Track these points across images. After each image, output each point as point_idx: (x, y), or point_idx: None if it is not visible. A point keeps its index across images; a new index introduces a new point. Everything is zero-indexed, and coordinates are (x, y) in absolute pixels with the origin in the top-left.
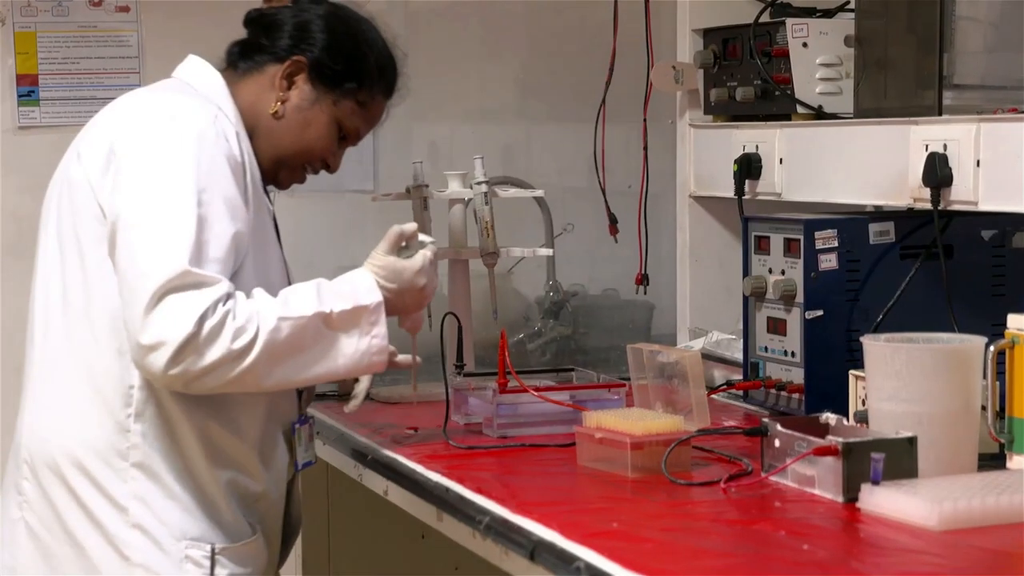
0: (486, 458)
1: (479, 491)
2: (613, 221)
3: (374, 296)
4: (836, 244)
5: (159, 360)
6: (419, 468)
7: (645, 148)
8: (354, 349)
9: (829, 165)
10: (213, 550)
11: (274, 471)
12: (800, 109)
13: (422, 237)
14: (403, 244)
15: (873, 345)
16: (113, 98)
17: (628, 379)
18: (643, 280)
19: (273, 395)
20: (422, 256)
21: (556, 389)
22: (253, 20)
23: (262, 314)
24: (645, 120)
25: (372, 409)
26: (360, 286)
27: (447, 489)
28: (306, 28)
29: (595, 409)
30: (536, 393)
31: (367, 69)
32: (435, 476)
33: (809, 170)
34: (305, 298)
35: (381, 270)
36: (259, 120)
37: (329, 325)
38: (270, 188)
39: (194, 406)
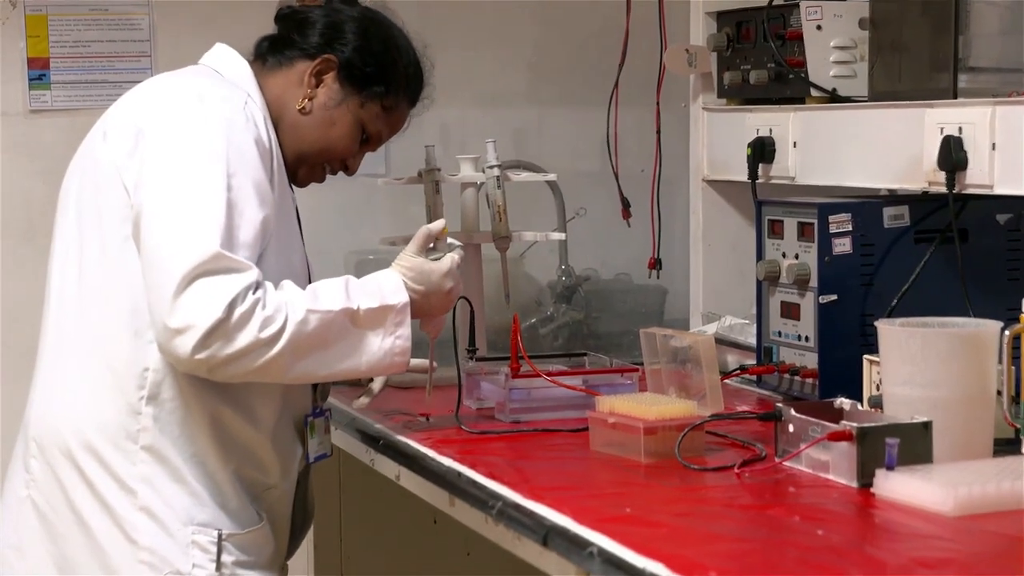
0: (498, 443)
1: (491, 476)
2: (626, 205)
3: (401, 296)
4: (850, 228)
5: (186, 344)
6: (431, 453)
7: (658, 132)
8: (377, 347)
9: (843, 149)
10: (220, 536)
11: (286, 462)
12: (814, 92)
13: (450, 240)
14: (430, 245)
15: (888, 329)
16: (125, 82)
17: (641, 364)
18: (656, 264)
19: (289, 386)
20: (450, 259)
21: (569, 374)
22: (285, 16)
23: (291, 305)
24: (658, 103)
25: (385, 394)
26: (387, 286)
27: (459, 474)
28: (339, 28)
29: (608, 394)
30: (548, 378)
31: (396, 74)
32: (447, 461)
33: (823, 154)
34: (334, 293)
35: (409, 271)
36: (284, 114)
37: (355, 322)
38: None
39: (208, 391)
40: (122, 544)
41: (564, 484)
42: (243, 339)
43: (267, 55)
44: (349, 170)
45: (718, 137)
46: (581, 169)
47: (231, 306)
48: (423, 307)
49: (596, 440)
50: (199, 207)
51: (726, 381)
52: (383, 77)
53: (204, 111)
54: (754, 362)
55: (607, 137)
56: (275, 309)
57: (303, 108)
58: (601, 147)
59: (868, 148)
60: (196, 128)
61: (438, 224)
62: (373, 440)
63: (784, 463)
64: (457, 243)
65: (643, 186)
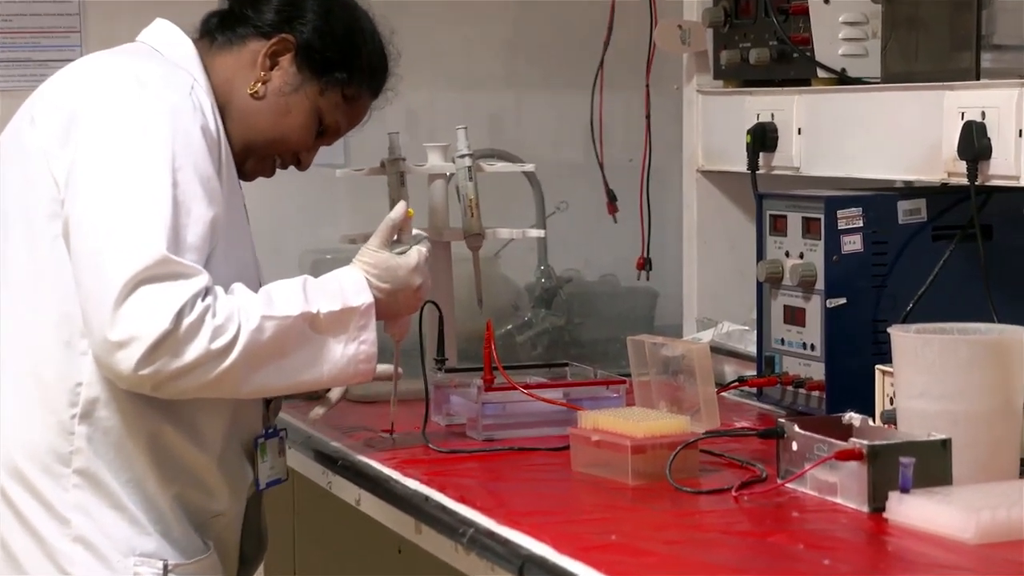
0: (470, 463)
1: (462, 500)
2: (612, 199)
3: (364, 297)
4: (861, 224)
5: (129, 358)
6: (395, 475)
7: (648, 117)
8: (340, 355)
9: (853, 136)
10: (165, 567)
11: (234, 487)
12: (821, 73)
13: (416, 231)
14: (394, 238)
15: (902, 337)
16: (52, 61)
17: (628, 375)
18: (645, 265)
19: (239, 402)
20: (417, 252)
21: (548, 386)
22: None
23: (244, 312)
24: (648, 86)
25: (343, 409)
26: (349, 285)
27: (426, 498)
28: (298, 5)
29: (592, 408)
30: (526, 391)
31: (359, 61)
32: (413, 484)
33: (831, 141)
34: (290, 296)
35: (373, 268)
36: (233, 99)
37: (315, 327)
38: None
39: (148, 408)
40: None
41: (543, 508)
42: (192, 352)
43: (215, 32)
44: (301, 164)
45: (714, 123)
46: (562, 159)
47: (179, 316)
48: (389, 307)
49: (578, 460)
50: (141, 205)
51: (723, 394)
52: (345, 63)
53: (145, 96)
54: (754, 373)
55: (591, 123)
56: (227, 317)
57: (255, 92)
58: (585, 134)
59: (881, 135)
60: (137, 116)
61: (400, 210)
62: (331, 461)
63: (787, 485)
64: (423, 234)
65: (631, 178)
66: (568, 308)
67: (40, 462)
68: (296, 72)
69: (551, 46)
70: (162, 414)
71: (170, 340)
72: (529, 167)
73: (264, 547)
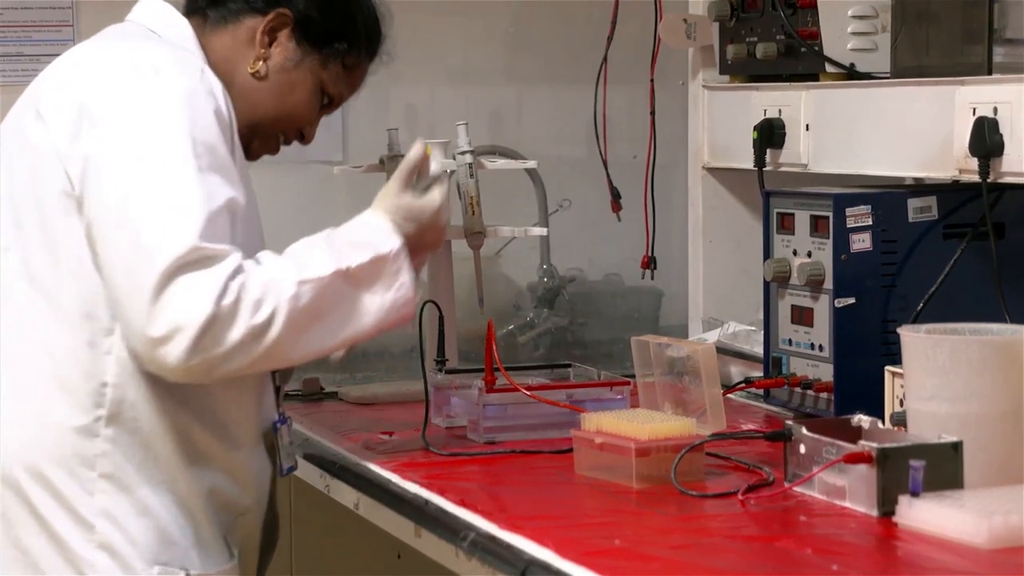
0: (471, 466)
1: (463, 504)
2: (616, 196)
3: (393, 241)
4: (870, 222)
5: (175, 351)
6: (394, 478)
7: (652, 113)
8: (379, 305)
9: (862, 132)
10: None
11: (259, 480)
12: (829, 68)
13: (432, 166)
14: (414, 179)
15: (912, 337)
16: (43, 55)
17: (633, 376)
18: (650, 263)
19: (260, 390)
20: (440, 191)
21: (551, 388)
22: None
23: (278, 281)
24: (652, 81)
25: (341, 411)
26: (376, 231)
27: (426, 501)
28: None
29: (595, 410)
30: (528, 392)
31: (357, 29)
32: (413, 487)
33: (839, 138)
34: (319, 255)
35: (397, 211)
36: (234, 79)
37: (350, 282)
38: None
39: (176, 407)
40: None
41: (545, 513)
42: (236, 332)
43: (207, 9)
44: (305, 138)
45: (720, 119)
46: (565, 155)
47: (218, 300)
48: (416, 246)
49: (582, 463)
50: (165, 196)
51: (729, 396)
52: (344, 32)
53: (159, 84)
54: (761, 374)
55: (595, 119)
56: (262, 290)
57: (257, 72)
58: (588, 131)
59: (891, 131)
60: (151, 104)
61: (418, 150)
62: (329, 464)
63: (794, 489)
64: (440, 169)
65: (635, 175)
66: (571, 308)
67: (65, 465)
68: (296, 47)
69: (554, 40)
70: (190, 412)
71: (213, 325)
72: (531, 164)
73: (275, 541)
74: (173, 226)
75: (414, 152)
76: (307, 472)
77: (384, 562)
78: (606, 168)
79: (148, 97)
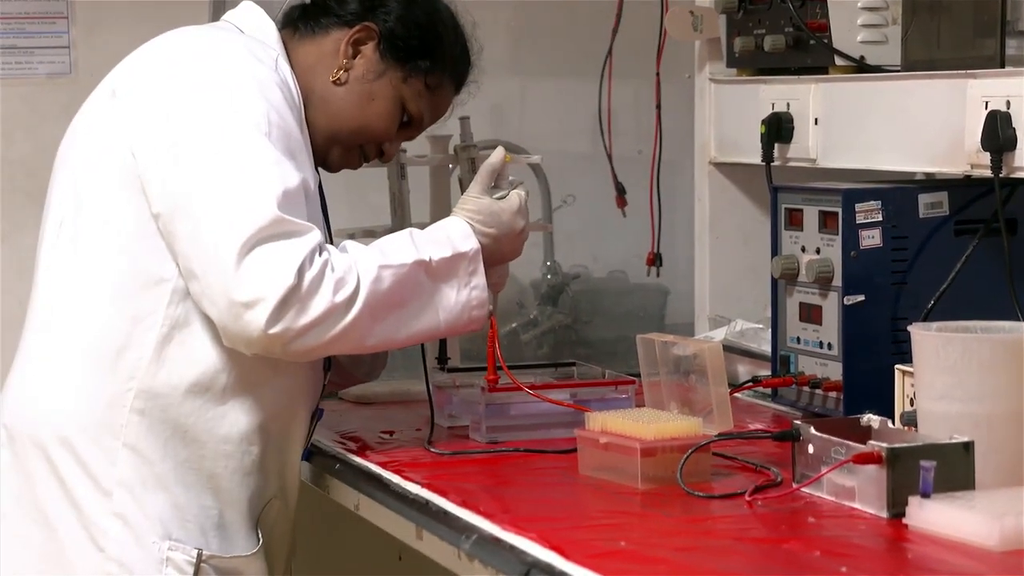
0: (473, 466)
1: (465, 505)
2: (621, 192)
3: (471, 243)
4: (880, 218)
5: (258, 319)
6: (396, 479)
7: (658, 107)
8: (454, 301)
9: (872, 126)
10: (199, 557)
11: (291, 468)
12: (839, 61)
13: (511, 177)
14: (492, 184)
15: (923, 335)
16: (37, 48)
17: (638, 375)
18: (655, 260)
19: (309, 381)
20: (518, 196)
21: (554, 387)
22: None
23: (361, 263)
24: (658, 74)
25: (341, 410)
26: (455, 233)
27: (428, 502)
28: None
29: (600, 410)
30: (531, 391)
31: (442, 50)
32: (414, 488)
33: (849, 132)
34: (401, 246)
35: (476, 214)
36: (315, 87)
37: (429, 274)
38: None
39: (215, 386)
40: (88, 550)
41: (549, 514)
42: (318, 306)
43: (298, 22)
44: (385, 156)
45: (727, 113)
46: (569, 150)
47: (300, 271)
48: (493, 253)
49: (586, 463)
50: (245, 172)
51: (736, 395)
52: (428, 51)
53: (238, 70)
54: (769, 373)
55: (599, 113)
56: (345, 270)
57: (337, 79)
58: (592, 125)
59: (901, 125)
60: (232, 89)
61: (499, 155)
62: (329, 464)
63: (803, 490)
64: (519, 180)
65: (641, 170)
66: (575, 305)
67: (90, 434)
68: (379, 60)
69: (557, 33)
70: (227, 389)
71: (295, 296)
72: (535, 159)
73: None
74: (255, 199)
75: (495, 157)
76: (306, 471)
77: (385, 564)
78: (611, 163)
79: (226, 81)
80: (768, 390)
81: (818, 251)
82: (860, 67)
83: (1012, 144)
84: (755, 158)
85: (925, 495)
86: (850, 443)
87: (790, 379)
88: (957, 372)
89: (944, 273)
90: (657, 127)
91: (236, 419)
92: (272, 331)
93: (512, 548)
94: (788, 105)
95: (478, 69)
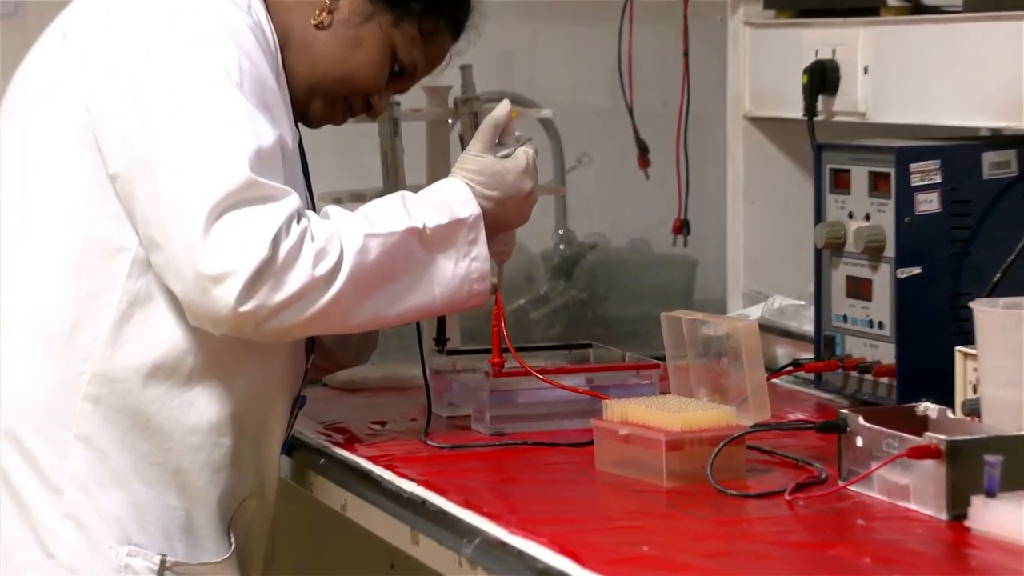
0: (476, 461)
1: (466, 505)
2: (643, 151)
3: (471, 207)
4: (939, 180)
5: (228, 295)
6: (388, 475)
7: (686, 55)
8: (451, 274)
9: (930, 75)
10: (163, 564)
11: (268, 461)
12: (891, 0)
13: (518, 133)
14: (496, 140)
15: (987, 313)
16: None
17: (662, 358)
18: (682, 228)
19: (287, 366)
20: (524, 153)
21: (568, 371)
22: None
23: (344, 232)
24: (685, 17)
25: (326, 398)
26: (453, 196)
27: (424, 502)
28: None
29: (619, 397)
30: (541, 376)
31: None
32: (409, 486)
33: (903, 82)
34: (391, 212)
35: (478, 175)
36: (294, 31)
37: (423, 243)
38: None
39: (182, 367)
40: (36, 556)
41: (562, 515)
42: (295, 280)
43: None
44: (373, 110)
45: (765, 61)
46: (585, 104)
47: (275, 241)
48: (497, 219)
49: (604, 458)
50: (216, 126)
51: (774, 380)
52: None
53: (205, 14)
54: (811, 356)
55: (619, 62)
56: (327, 239)
57: (320, 22)
58: (611, 75)
59: (962, 74)
60: (198, 34)
61: (504, 109)
62: (312, 459)
63: (850, 488)
64: (527, 136)
65: (666, 126)
66: (591, 279)
67: (38, 424)
68: (366, 1)
69: None
70: (196, 381)
71: (270, 269)
72: (546, 113)
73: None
74: (224, 158)
75: (500, 110)
76: (287, 467)
77: (376, 571)
78: (632, 118)
79: (192, 24)
80: (811, 375)
81: (867, 217)
82: (916, 7)
83: None
84: (796, 112)
85: (990, 494)
86: (904, 435)
87: (835, 363)
88: None
89: (1011, 242)
90: (685, 78)
91: (204, 407)
92: (243, 308)
93: (520, 553)
94: (833, 51)
95: (480, 13)
